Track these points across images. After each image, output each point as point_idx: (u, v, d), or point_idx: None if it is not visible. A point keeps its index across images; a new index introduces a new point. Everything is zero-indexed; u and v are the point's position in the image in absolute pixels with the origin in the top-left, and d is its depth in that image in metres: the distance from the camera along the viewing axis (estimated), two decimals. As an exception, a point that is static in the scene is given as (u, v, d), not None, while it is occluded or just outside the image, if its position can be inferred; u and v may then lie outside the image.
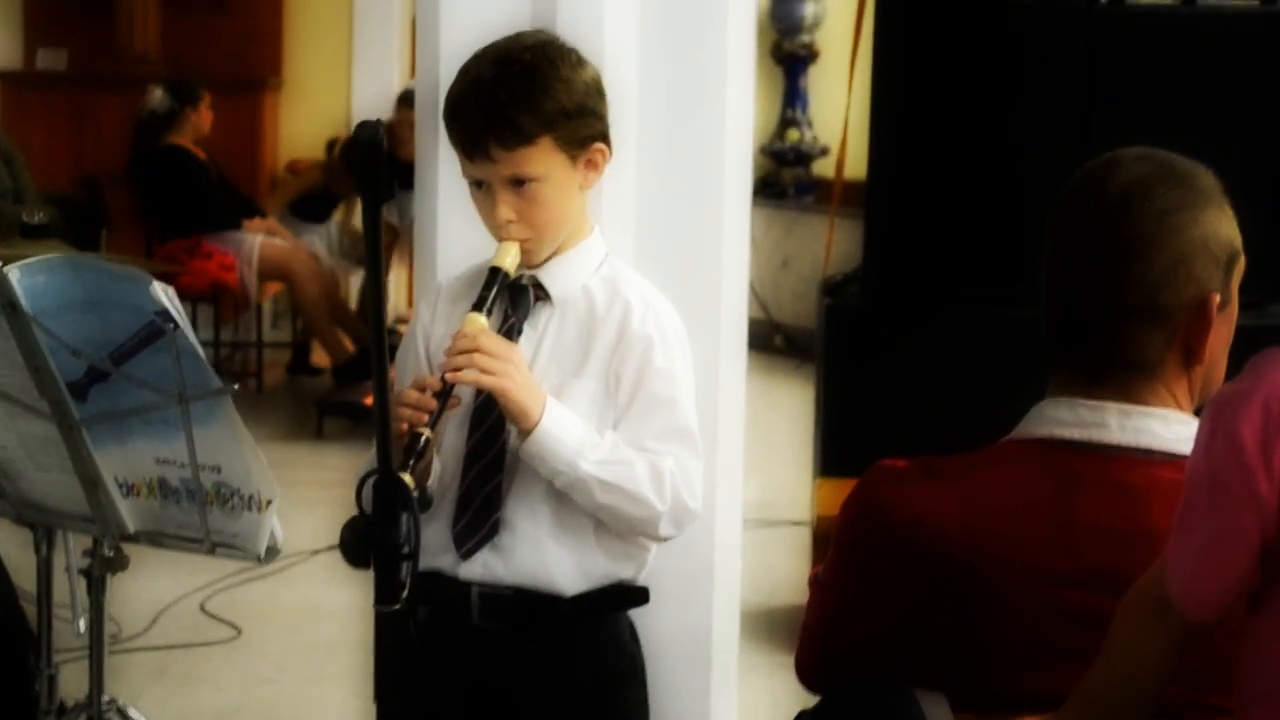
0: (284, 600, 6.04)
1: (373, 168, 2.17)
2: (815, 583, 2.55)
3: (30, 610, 3.42)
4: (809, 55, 10.67)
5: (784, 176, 10.57)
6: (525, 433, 2.77)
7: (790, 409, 7.16)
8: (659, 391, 2.85)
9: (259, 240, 8.92)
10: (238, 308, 9.02)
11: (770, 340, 9.47)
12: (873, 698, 2.30)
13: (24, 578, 3.59)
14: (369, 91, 10.44)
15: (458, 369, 2.72)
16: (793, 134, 10.68)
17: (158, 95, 9.02)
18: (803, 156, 10.68)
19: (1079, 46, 4.16)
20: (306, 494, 5.94)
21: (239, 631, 5.76)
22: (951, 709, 2.26)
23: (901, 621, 2.34)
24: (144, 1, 10.36)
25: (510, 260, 2.83)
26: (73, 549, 3.49)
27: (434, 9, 3.50)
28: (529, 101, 2.78)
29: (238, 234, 8.91)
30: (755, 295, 8.94)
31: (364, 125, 2.17)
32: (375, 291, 2.32)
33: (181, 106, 8.94)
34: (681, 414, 2.87)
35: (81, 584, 3.18)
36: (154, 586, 5.71)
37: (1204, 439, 1.94)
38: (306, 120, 9.88)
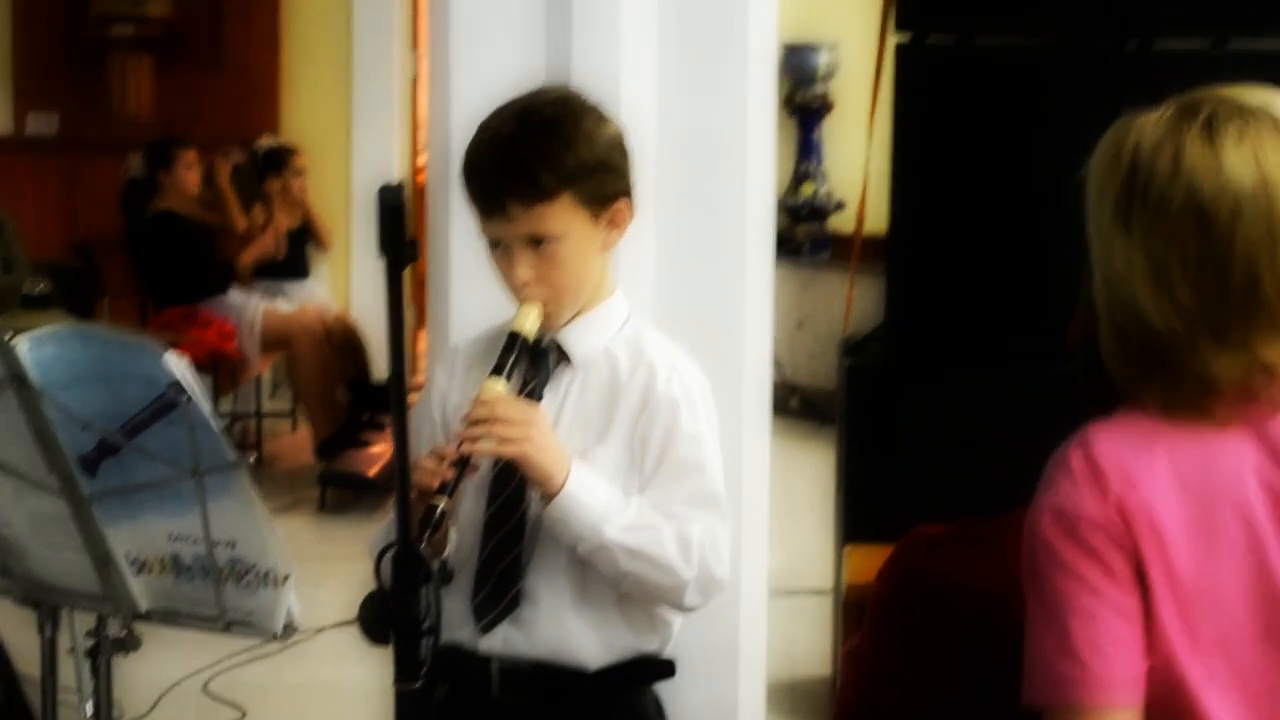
0: (289, 679, 5.95)
1: (395, 230, 2.12)
2: (850, 654, 2.50)
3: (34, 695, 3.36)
4: (823, 106, 10.52)
5: (799, 232, 10.42)
6: (549, 497, 2.72)
7: (809, 474, 7.10)
8: (686, 456, 2.80)
9: (261, 307, 8.85)
10: (237, 377, 8.91)
11: (787, 402, 9.38)
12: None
13: (27, 661, 3.52)
14: (370, 151, 10.40)
15: (475, 439, 2.66)
16: (807, 188, 10.54)
17: (136, 162, 9.00)
18: (818, 211, 10.50)
19: (1107, 92, 4.11)
20: (311, 569, 5.81)
21: (243, 713, 5.68)
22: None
23: (944, 691, 2.28)
24: (137, 63, 10.28)
25: (530, 323, 2.77)
26: (78, 629, 3.42)
27: (445, 65, 3.48)
28: (549, 156, 2.72)
29: (238, 300, 8.84)
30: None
31: (386, 189, 2.13)
32: (396, 358, 2.26)
33: (153, 171, 8.88)
34: (709, 479, 2.82)
35: (86, 665, 3.12)
36: (155, 667, 5.60)
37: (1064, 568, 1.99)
38: (307, 181, 9.79)
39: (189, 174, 8.86)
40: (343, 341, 9.22)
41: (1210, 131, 1.99)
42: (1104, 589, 1.97)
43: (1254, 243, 1.97)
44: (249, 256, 8.99)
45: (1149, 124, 2.04)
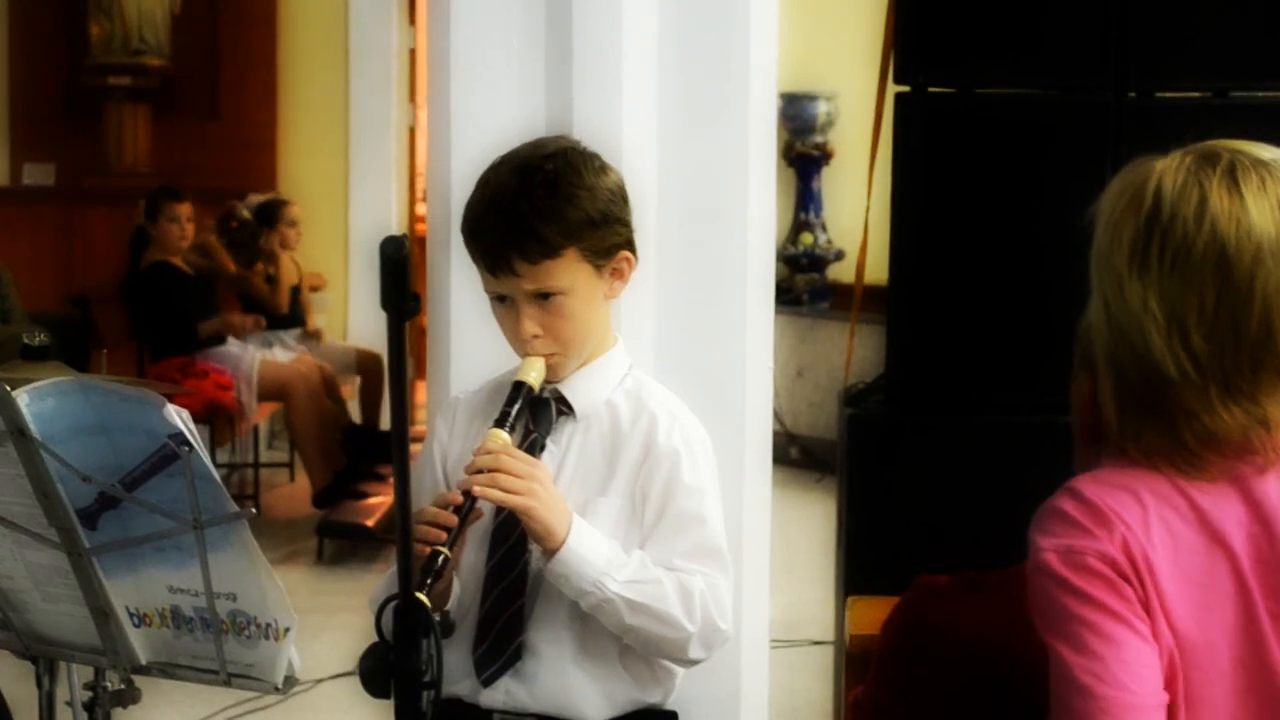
0: (289, 732, 5.91)
1: (398, 283, 2.10)
2: (855, 706, 2.47)
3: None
4: (822, 156, 10.51)
5: (798, 282, 10.40)
6: (550, 552, 2.70)
7: (809, 523, 7.07)
8: (687, 508, 2.79)
9: (258, 357, 8.81)
10: (234, 428, 8.87)
11: (787, 452, 9.35)
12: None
13: (25, 714, 3.49)
14: (368, 202, 10.39)
15: (480, 484, 2.64)
16: (806, 238, 10.52)
17: (141, 209, 9.00)
18: (817, 261, 10.50)
19: (1107, 142, 4.09)
20: (309, 620, 5.78)
21: (243, 763, 5.63)
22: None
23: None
24: (133, 113, 10.27)
25: (535, 375, 2.77)
26: (76, 682, 3.39)
27: (445, 114, 3.46)
28: (552, 212, 2.72)
29: (234, 351, 8.80)
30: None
31: (388, 241, 2.11)
32: (399, 409, 2.23)
33: (146, 222, 8.85)
34: (710, 531, 2.81)
35: (84, 718, 3.09)
36: (154, 720, 5.58)
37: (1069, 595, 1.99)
38: (304, 232, 9.75)
39: (173, 227, 8.78)
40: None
41: (1233, 180, 1.99)
42: (1127, 616, 1.96)
43: (1272, 293, 1.97)
44: (208, 328, 8.90)
45: (1169, 168, 2.03)
